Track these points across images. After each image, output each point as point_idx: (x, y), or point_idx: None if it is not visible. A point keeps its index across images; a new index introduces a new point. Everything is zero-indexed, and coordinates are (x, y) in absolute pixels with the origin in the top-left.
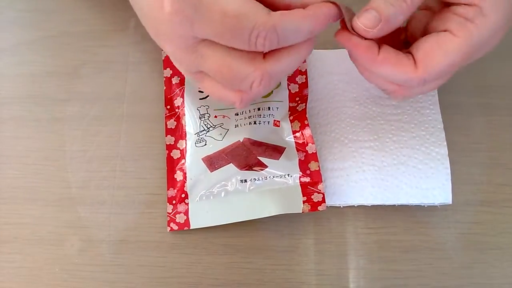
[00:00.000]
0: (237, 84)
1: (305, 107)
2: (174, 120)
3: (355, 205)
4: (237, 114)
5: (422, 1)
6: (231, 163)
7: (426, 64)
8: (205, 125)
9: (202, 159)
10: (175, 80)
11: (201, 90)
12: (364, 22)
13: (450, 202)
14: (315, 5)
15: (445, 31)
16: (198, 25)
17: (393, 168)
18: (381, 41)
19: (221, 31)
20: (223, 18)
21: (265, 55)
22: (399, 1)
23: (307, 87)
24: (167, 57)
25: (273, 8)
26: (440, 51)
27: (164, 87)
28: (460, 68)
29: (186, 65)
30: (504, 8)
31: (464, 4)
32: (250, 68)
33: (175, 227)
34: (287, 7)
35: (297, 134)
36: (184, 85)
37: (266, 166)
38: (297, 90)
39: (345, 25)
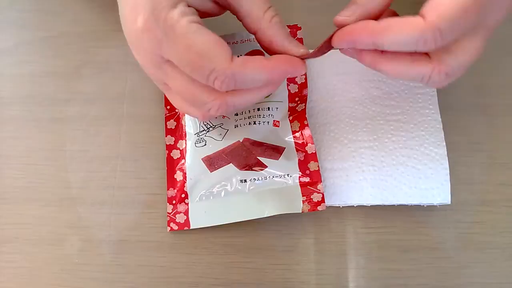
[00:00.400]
0: (197, 106)
1: (305, 107)
2: (174, 120)
3: (355, 205)
4: (237, 114)
5: None
6: (231, 163)
7: (435, 10)
8: (205, 125)
9: (202, 159)
10: None
11: None
12: (343, 13)
13: (449, 202)
14: (277, 58)
15: None
16: (165, 48)
17: (392, 168)
18: None
19: (184, 62)
20: (188, 51)
21: None
22: None
23: (307, 87)
24: None
25: (267, 45)
26: None
27: None
28: (475, 20)
29: (153, 77)
30: None
31: None
32: (210, 97)
33: (175, 227)
34: (281, 50)
35: (297, 134)
36: None
37: (265, 166)
38: (297, 91)
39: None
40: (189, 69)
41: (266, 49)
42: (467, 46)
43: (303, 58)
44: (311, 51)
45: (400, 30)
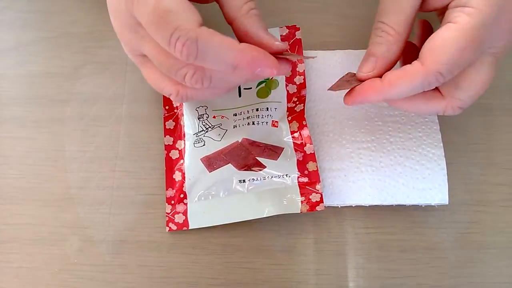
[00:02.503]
0: (173, 73)
1: (303, 108)
2: (173, 121)
3: (353, 205)
4: (236, 115)
5: (408, 26)
6: (229, 164)
7: (431, 56)
8: (203, 125)
9: (201, 159)
10: None
11: None
12: (364, 69)
13: (447, 203)
14: (249, 44)
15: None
16: (136, 7)
17: (390, 169)
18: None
19: (149, 21)
20: (155, 8)
21: None
22: (384, 37)
23: (305, 87)
24: None
25: (242, 36)
26: (442, 40)
27: None
28: (476, 54)
29: (130, 45)
30: None
31: None
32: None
33: (174, 227)
34: (256, 41)
35: (295, 135)
36: None
37: (264, 167)
38: (295, 91)
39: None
40: (153, 29)
41: (241, 41)
42: (475, 79)
43: (279, 54)
44: (310, 51)
45: (404, 83)
